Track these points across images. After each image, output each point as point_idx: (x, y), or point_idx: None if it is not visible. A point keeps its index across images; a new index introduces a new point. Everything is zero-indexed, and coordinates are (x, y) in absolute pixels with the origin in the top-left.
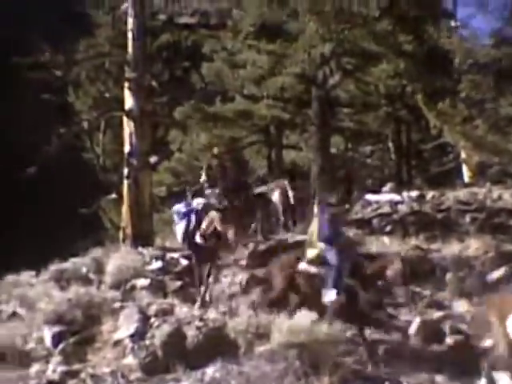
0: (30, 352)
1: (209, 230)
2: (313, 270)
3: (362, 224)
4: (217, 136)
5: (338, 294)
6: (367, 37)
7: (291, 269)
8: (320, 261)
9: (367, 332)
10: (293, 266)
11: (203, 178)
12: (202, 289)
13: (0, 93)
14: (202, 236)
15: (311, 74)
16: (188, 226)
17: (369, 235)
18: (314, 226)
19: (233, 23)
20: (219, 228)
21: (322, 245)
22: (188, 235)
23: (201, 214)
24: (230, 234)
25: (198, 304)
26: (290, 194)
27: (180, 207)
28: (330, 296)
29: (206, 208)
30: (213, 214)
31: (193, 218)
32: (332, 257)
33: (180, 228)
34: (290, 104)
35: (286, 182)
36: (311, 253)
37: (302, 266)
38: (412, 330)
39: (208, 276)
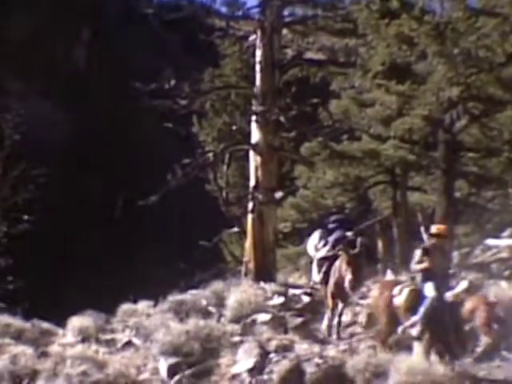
0: (143, 382)
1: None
2: None
3: (481, 268)
4: (343, 174)
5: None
6: (493, 82)
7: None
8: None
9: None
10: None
11: None
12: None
13: (119, 119)
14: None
15: (438, 117)
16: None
17: (488, 279)
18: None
19: (361, 61)
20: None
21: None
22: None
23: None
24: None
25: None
26: None
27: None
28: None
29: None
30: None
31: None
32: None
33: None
34: (416, 146)
35: None
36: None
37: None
38: None
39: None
